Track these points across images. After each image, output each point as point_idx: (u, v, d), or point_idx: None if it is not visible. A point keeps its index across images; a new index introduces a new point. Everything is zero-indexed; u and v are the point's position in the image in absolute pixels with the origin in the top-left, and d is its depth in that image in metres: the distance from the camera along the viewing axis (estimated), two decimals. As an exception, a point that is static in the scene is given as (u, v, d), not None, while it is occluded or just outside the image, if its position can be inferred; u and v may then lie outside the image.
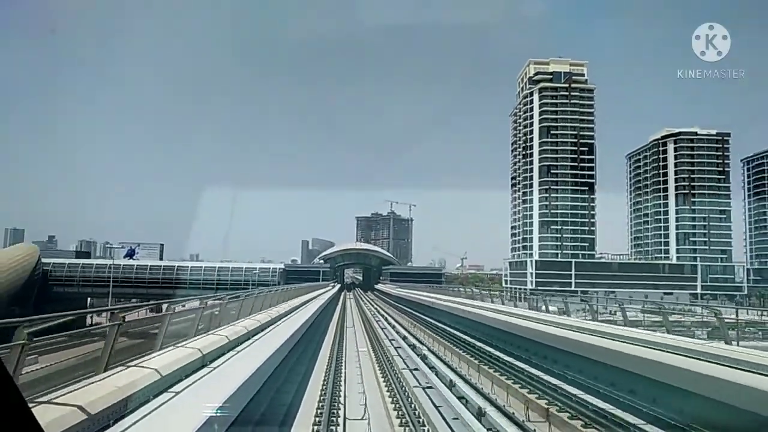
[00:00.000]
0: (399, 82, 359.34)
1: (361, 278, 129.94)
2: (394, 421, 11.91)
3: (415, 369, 18.62)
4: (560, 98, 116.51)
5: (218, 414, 6.01)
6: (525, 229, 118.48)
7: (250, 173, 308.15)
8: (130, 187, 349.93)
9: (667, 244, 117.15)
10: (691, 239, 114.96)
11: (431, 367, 18.63)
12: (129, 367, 6.71)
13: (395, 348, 24.00)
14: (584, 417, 11.38)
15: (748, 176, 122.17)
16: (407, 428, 11.27)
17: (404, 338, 27.61)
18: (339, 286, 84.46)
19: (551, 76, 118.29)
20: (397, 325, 35.88)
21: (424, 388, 15.08)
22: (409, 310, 45.14)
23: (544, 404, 12.75)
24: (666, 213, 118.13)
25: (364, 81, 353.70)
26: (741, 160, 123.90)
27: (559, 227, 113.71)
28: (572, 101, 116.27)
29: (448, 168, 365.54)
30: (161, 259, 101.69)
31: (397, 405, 13.11)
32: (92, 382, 5.81)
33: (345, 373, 17.71)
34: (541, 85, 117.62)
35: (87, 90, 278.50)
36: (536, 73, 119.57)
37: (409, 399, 13.83)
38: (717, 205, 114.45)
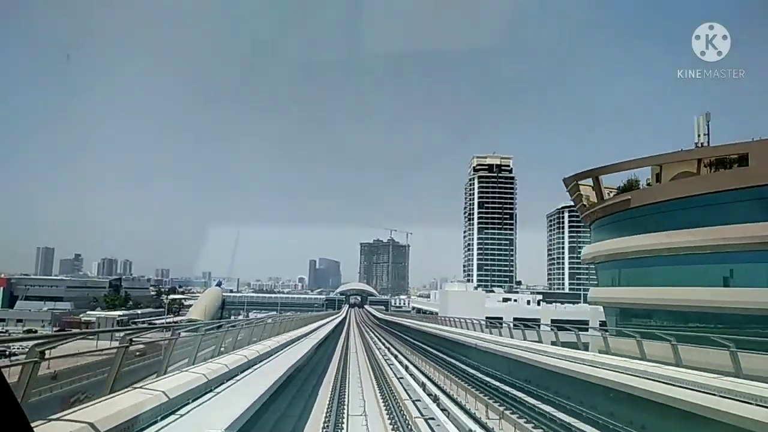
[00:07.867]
0: (400, 120, 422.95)
1: (360, 300, 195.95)
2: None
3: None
4: (491, 184, 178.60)
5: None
6: (469, 267, 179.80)
7: (263, 200, 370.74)
8: (148, 209, 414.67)
9: (562, 275, 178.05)
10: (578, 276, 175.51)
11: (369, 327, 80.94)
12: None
13: (360, 316, 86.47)
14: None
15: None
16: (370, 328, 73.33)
17: (364, 320, 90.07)
18: (348, 306, 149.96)
19: (487, 168, 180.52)
20: (363, 318, 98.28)
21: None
22: (371, 314, 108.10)
23: (391, 335, 74.68)
24: (563, 254, 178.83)
25: (370, 120, 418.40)
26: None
27: (489, 267, 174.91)
28: (499, 185, 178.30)
29: (442, 199, 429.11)
30: (238, 287, 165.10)
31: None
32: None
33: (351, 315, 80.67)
34: (480, 173, 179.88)
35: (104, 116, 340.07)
36: (477, 165, 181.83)
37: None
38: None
